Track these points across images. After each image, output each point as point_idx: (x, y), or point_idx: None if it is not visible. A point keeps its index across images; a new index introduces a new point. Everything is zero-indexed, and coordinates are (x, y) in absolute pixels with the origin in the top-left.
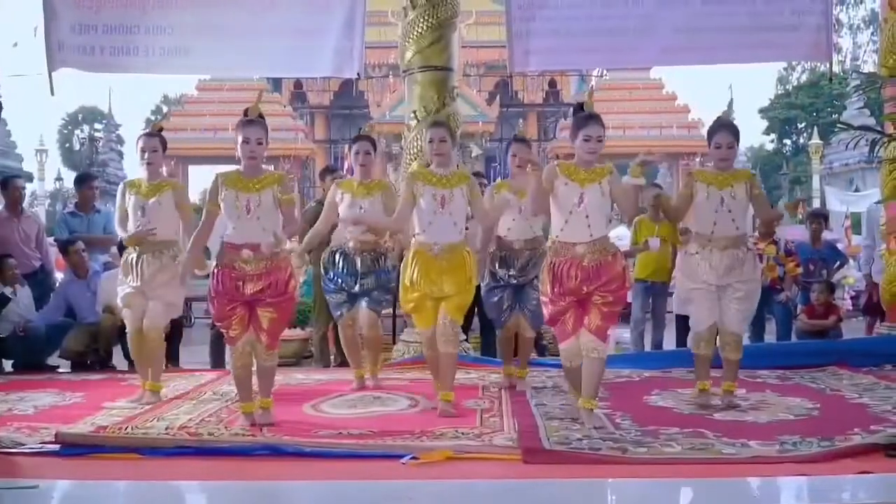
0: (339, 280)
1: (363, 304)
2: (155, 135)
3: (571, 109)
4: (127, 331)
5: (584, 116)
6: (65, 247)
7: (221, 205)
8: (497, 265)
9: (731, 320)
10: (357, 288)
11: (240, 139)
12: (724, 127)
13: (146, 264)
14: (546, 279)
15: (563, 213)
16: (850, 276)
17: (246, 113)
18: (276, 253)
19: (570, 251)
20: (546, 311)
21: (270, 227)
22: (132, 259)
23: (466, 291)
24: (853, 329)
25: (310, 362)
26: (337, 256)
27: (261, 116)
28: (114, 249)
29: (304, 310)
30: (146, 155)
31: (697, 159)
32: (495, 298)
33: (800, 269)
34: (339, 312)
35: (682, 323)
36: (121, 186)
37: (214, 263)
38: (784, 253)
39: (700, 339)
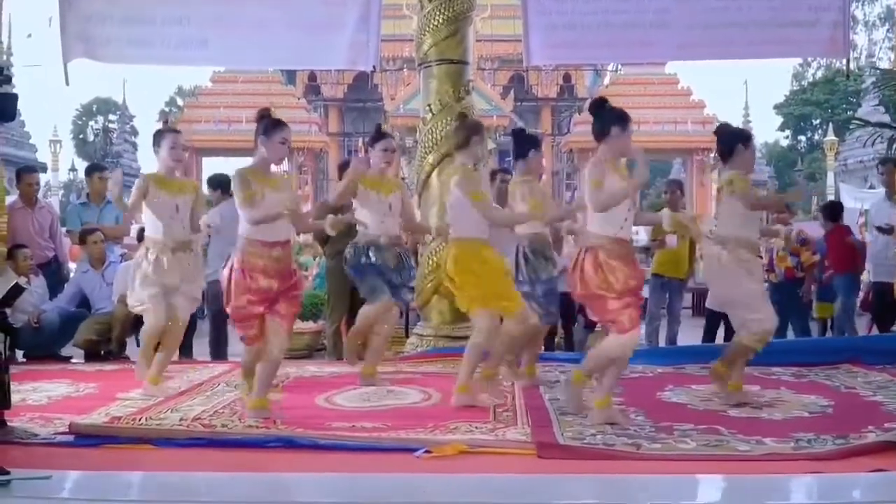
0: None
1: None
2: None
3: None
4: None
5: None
6: (83, 237)
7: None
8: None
9: None
10: (395, 279)
11: (278, 139)
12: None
13: (175, 262)
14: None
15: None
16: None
17: (269, 112)
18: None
19: (627, 248)
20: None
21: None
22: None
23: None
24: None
25: (322, 355)
26: (372, 252)
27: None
28: (128, 240)
29: (317, 303)
30: (177, 152)
31: (712, 156)
32: None
33: (816, 258)
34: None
35: (716, 321)
36: (142, 180)
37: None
38: (798, 243)
39: None
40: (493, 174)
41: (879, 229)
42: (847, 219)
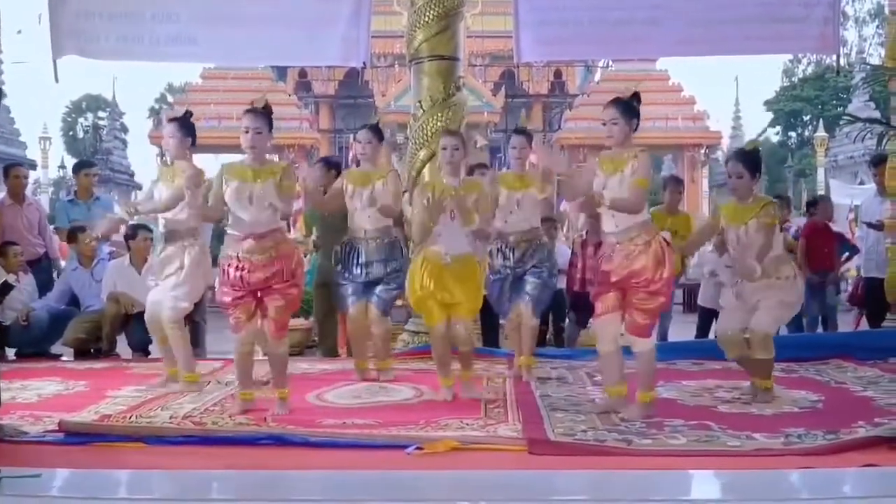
0: (348, 273)
1: (373, 299)
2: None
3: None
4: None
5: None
6: (74, 234)
7: (226, 193)
8: (495, 257)
9: None
10: (363, 277)
11: (242, 129)
12: (734, 155)
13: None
14: None
15: None
16: (852, 269)
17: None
18: (282, 241)
19: None
20: None
21: (275, 217)
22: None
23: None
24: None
25: (314, 351)
26: (347, 248)
27: (265, 107)
28: (117, 238)
29: (308, 299)
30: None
31: (702, 152)
32: (496, 289)
33: None
34: (345, 305)
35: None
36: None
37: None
38: (794, 239)
39: None
40: (471, 169)
41: (870, 225)
42: (837, 215)
